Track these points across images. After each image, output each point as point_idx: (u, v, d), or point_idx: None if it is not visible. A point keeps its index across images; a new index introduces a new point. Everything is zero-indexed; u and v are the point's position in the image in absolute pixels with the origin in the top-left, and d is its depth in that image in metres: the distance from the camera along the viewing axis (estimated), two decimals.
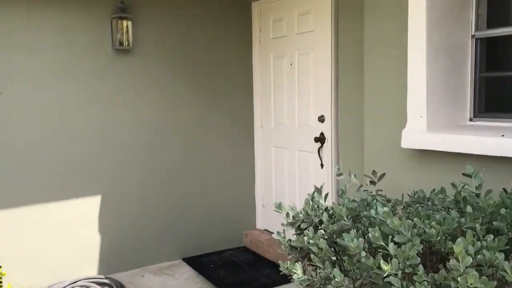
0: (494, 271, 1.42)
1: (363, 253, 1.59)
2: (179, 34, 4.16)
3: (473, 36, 2.62)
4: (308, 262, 1.93)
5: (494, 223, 1.61)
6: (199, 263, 4.22)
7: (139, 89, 4.02)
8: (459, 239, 1.39)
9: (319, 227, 1.98)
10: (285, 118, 4.28)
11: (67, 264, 3.81)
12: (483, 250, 1.40)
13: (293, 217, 2.05)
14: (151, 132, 4.11)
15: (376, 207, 1.82)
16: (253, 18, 4.53)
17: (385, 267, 1.49)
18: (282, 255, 2.24)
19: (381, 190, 2.29)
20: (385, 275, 1.49)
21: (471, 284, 1.34)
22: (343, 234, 1.69)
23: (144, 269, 4.10)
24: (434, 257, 1.66)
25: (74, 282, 3.72)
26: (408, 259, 1.49)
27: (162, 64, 4.10)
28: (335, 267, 1.73)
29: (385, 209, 1.67)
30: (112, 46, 3.84)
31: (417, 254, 1.50)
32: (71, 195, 3.80)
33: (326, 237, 1.88)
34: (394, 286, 1.48)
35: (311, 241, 1.83)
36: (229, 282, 3.82)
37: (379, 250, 1.59)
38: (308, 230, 1.88)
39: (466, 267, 1.35)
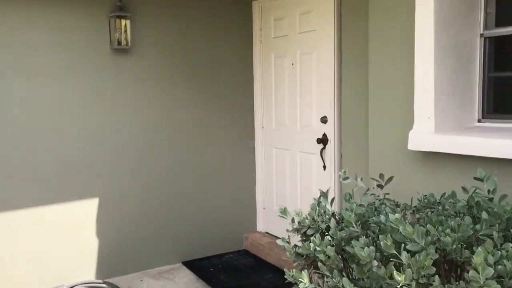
0: None
1: (375, 262, 1.52)
2: (179, 33, 4.10)
3: (481, 35, 2.55)
4: (314, 270, 1.86)
5: (511, 230, 1.54)
6: (199, 266, 4.14)
7: (139, 89, 3.96)
8: (479, 248, 1.31)
9: (326, 234, 1.91)
10: (286, 118, 4.21)
11: (67, 265, 3.76)
12: (503, 260, 1.32)
13: (299, 222, 1.98)
14: (151, 132, 4.04)
15: (386, 213, 1.75)
16: (254, 18, 4.46)
17: (398, 277, 1.41)
18: (284, 259, 2.17)
19: (388, 194, 2.22)
20: (398, 286, 1.42)
21: None
22: (352, 242, 1.62)
23: (144, 273, 4.02)
24: (448, 266, 1.58)
25: (72, 287, 3.66)
26: (422, 269, 1.42)
27: (162, 64, 4.04)
28: (344, 276, 1.66)
29: (397, 215, 1.59)
30: (111, 45, 3.77)
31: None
32: (71, 195, 3.74)
33: (333, 244, 1.81)
34: None
35: (317, 248, 1.76)
36: (230, 287, 3.74)
37: (391, 259, 1.51)
38: (315, 237, 1.80)
39: (487, 279, 1.27)
